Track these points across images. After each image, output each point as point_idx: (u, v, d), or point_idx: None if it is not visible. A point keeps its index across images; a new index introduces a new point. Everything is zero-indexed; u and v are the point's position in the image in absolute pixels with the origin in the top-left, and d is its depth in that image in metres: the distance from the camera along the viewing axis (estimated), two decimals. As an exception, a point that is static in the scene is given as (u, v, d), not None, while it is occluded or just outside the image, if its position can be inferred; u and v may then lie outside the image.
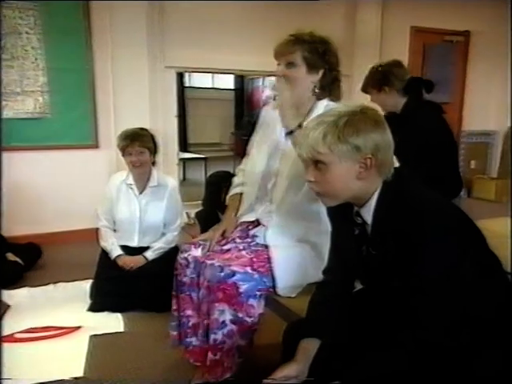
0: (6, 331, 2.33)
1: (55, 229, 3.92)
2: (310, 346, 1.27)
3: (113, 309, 2.59)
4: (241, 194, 1.95)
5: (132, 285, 2.60)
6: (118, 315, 2.55)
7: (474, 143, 6.07)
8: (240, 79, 10.30)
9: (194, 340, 1.81)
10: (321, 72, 1.69)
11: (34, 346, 2.24)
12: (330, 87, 1.72)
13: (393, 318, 1.15)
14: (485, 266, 1.18)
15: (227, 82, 10.48)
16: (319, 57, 1.67)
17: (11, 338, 2.27)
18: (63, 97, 3.83)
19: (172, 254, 2.77)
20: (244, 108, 10.39)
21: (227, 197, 2.03)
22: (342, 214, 1.28)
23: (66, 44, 3.79)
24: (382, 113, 1.78)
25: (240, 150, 10.40)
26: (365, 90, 2.48)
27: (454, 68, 5.71)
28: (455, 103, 5.67)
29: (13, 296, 2.81)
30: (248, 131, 9.54)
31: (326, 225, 1.46)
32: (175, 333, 1.88)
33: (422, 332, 1.09)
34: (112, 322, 2.47)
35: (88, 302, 2.67)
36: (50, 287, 2.99)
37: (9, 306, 2.66)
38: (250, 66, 4.57)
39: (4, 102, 3.62)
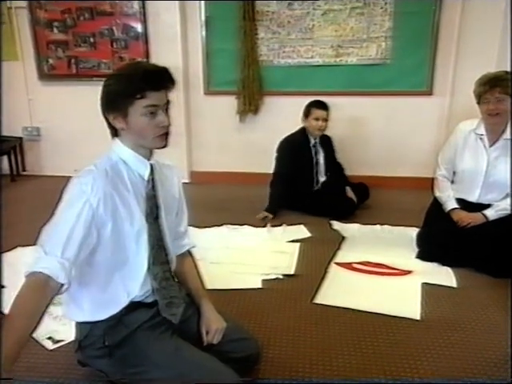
0: (343, 259, 2.59)
1: (383, 173, 4.07)
2: None
3: (443, 261, 2.51)
4: None
5: (466, 242, 2.46)
6: (449, 269, 2.46)
7: None
8: None
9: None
10: None
11: (368, 278, 2.40)
12: None
13: None
14: None
15: None
16: None
17: (349, 266, 2.51)
18: (404, 42, 3.81)
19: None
20: None
21: None
22: None
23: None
24: None
25: None
26: None
27: None
28: None
29: (346, 229, 3.09)
30: None
31: None
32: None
33: None
34: (443, 275, 2.41)
35: (414, 248, 2.68)
36: (377, 227, 3.15)
37: (344, 238, 2.94)
38: None
39: (350, 49, 3.86)
